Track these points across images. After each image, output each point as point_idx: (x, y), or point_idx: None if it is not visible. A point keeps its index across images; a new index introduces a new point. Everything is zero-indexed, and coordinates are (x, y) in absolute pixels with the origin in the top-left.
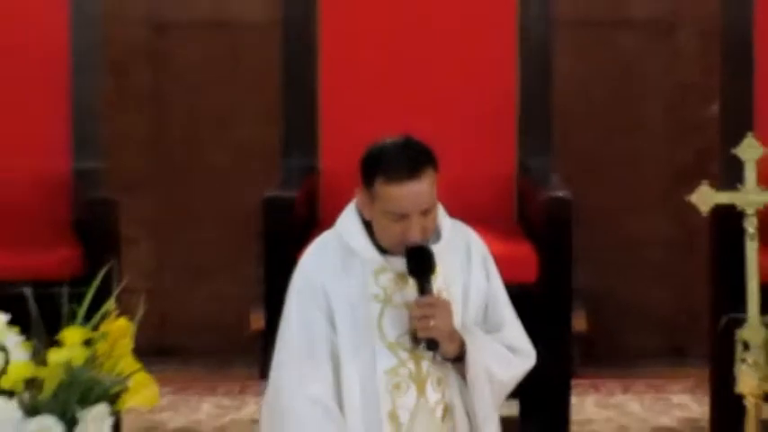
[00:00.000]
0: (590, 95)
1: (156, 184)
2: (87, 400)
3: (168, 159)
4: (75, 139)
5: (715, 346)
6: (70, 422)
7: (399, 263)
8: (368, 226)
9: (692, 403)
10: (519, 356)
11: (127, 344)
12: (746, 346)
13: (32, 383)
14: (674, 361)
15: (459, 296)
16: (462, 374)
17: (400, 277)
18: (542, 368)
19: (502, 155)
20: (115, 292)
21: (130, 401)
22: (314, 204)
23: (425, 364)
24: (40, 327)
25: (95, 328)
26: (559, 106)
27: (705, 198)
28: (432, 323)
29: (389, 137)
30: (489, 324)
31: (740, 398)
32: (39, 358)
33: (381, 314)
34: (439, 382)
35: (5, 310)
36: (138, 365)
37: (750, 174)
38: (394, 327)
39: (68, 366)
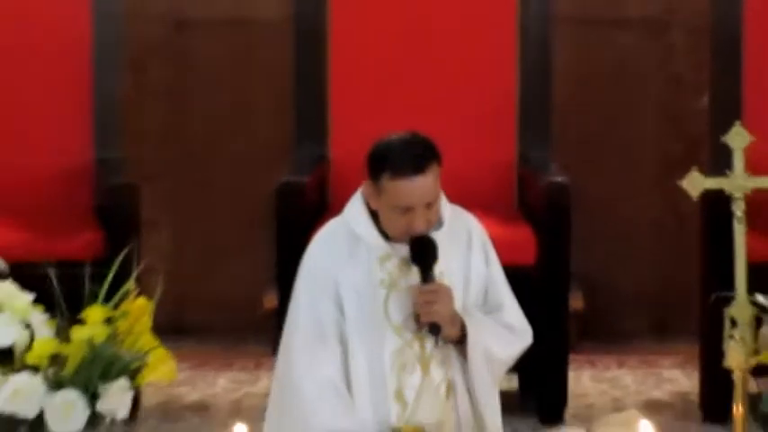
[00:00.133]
0: (587, 89)
1: (174, 172)
2: (108, 375)
3: (186, 149)
4: (97, 130)
5: (704, 324)
6: (92, 396)
7: (404, 250)
8: (374, 214)
9: (682, 377)
10: (517, 335)
11: (146, 322)
12: (734, 323)
13: (56, 359)
14: (665, 338)
15: (459, 281)
16: (464, 354)
17: (405, 263)
18: (541, 345)
19: (503, 145)
20: (135, 273)
21: (149, 376)
22: (324, 190)
23: (429, 345)
24: (64, 306)
25: (116, 307)
26: (558, 99)
27: (695, 183)
28: (434, 308)
29: (395, 133)
30: (489, 306)
31: (728, 372)
32: (62, 335)
33: (387, 298)
34: (442, 361)
35: (31, 289)
36: (156, 342)
37: (738, 160)
38: (399, 310)
39: (91, 343)
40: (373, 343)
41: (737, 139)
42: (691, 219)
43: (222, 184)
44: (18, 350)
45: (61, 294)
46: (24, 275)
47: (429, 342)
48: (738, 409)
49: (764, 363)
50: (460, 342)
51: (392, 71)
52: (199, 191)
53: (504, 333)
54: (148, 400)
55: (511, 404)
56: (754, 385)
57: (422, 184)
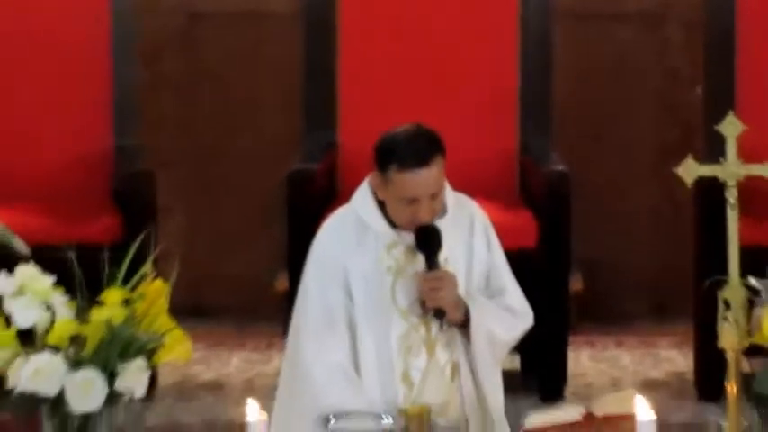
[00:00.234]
0: (586, 81)
1: (190, 160)
2: (126, 354)
3: (201, 137)
4: (115, 120)
5: (699, 306)
6: (111, 375)
7: (410, 237)
8: (380, 203)
9: (678, 357)
10: (518, 318)
11: (162, 304)
12: (728, 305)
13: (76, 339)
14: (661, 319)
15: (463, 266)
16: (467, 337)
17: (411, 251)
18: (542, 326)
19: (505, 135)
20: (152, 257)
21: (166, 356)
22: (333, 177)
23: (435, 329)
24: (83, 288)
25: (134, 289)
26: (558, 91)
27: (690, 171)
28: (439, 294)
29: (402, 126)
30: (491, 289)
31: (722, 353)
32: (82, 317)
33: (394, 284)
34: (447, 344)
35: (52, 272)
36: (172, 323)
37: (731, 149)
38: (405, 295)
39: (109, 324)
40: (381, 327)
41: (730, 128)
42: (686, 205)
43: (235, 172)
44: (39, 331)
45: (81, 277)
46: (45, 258)
47: (434, 326)
48: (732, 388)
49: (757, 343)
50: (464, 325)
51: (399, 63)
52: (213, 178)
53: (505, 316)
54: (165, 378)
55: (513, 383)
56: (746, 365)
57: (427, 177)
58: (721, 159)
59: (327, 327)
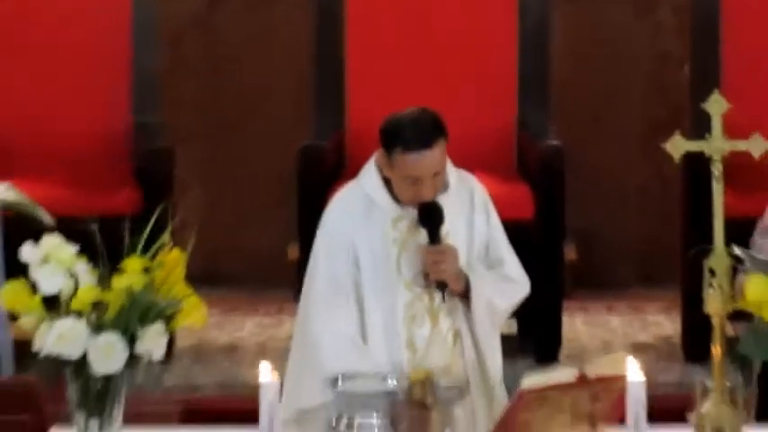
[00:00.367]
0: (582, 62)
1: (207, 137)
2: (146, 319)
3: (218, 116)
4: (135, 99)
5: (686, 274)
6: (131, 339)
7: (414, 212)
8: (386, 180)
9: (666, 322)
10: (516, 286)
11: (180, 272)
12: (713, 273)
13: (98, 305)
14: (650, 286)
15: (464, 239)
16: (468, 306)
17: (415, 225)
18: (537, 293)
19: (504, 112)
20: (170, 228)
21: (183, 321)
22: (341, 153)
23: (438, 299)
24: (105, 257)
25: (153, 258)
26: (555, 70)
27: (678, 146)
28: (441, 267)
29: (407, 109)
30: (490, 260)
31: (707, 317)
32: (104, 284)
33: (399, 257)
34: (449, 312)
35: (75, 242)
36: (189, 290)
37: (716, 125)
38: (410, 267)
39: (130, 291)
40: (387, 297)
41: (716, 106)
42: (674, 179)
43: (250, 148)
44: (64, 297)
45: (103, 246)
46: (69, 229)
47: (437, 296)
48: (717, 351)
49: (740, 309)
50: (465, 295)
51: (402, 44)
52: (229, 154)
53: (504, 285)
54: (182, 342)
55: (510, 347)
56: (730, 329)
57: (429, 158)
58: (707, 135)
59: (335, 297)
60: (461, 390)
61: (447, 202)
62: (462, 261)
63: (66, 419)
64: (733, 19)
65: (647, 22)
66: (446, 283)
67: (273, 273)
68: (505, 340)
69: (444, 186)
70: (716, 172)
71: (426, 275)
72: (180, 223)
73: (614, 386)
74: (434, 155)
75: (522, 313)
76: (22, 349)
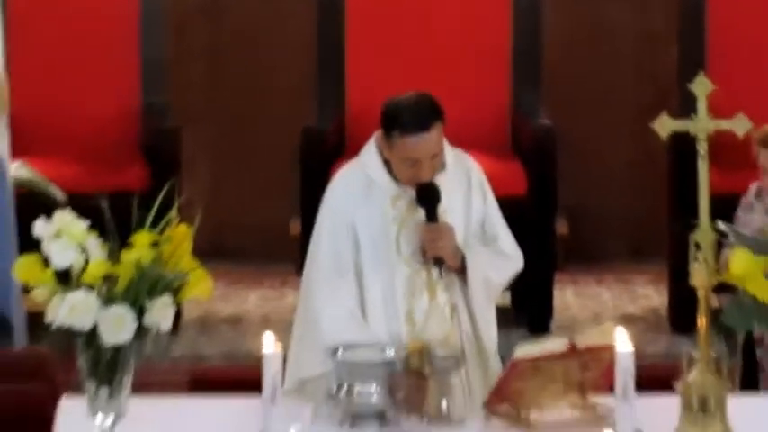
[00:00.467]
0: (573, 44)
1: (214, 117)
2: (154, 292)
3: (223, 97)
4: (144, 81)
5: (673, 248)
6: (140, 310)
7: (413, 191)
8: (386, 160)
9: (653, 294)
10: (510, 262)
11: (187, 246)
12: (698, 247)
13: (108, 279)
14: (638, 260)
15: (460, 217)
16: (464, 281)
17: (413, 203)
18: (530, 266)
19: (498, 93)
20: (176, 204)
21: (189, 293)
22: (342, 134)
23: (435, 273)
24: (115, 232)
25: (161, 233)
26: (547, 52)
27: (664, 126)
28: (438, 245)
29: (406, 94)
30: (486, 236)
31: (693, 290)
32: (114, 258)
33: (398, 234)
34: (447, 287)
35: (86, 217)
36: (196, 264)
37: (701, 105)
38: (409, 244)
39: (138, 264)
40: (386, 272)
41: (701, 87)
42: (661, 157)
43: (254, 129)
44: (75, 271)
45: (113, 222)
46: (80, 205)
47: (435, 272)
48: (702, 322)
49: (724, 281)
50: (462, 271)
51: (401, 31)
52: (234, 134)
53: (498, 261)
54: (189, 313)
55: (505, 318)
56: (715, 301)
57: (427, 141)
58: (693, 115)
59: (337, 273)
60: (457, 359)
61: (444, 181)
62: (459, 238)
63: (77, 388)
64: (718, 4)
65: (635, 3)
66: (443, 260)
67: (276, 247)
68: (499, 312)
69: (442, 166)
70: (701, 150)
71: (424, 252)
72: (187, 200)
73: (604, 356)
74: (432, 138)
75: (516, 286)
76: (35, 321)
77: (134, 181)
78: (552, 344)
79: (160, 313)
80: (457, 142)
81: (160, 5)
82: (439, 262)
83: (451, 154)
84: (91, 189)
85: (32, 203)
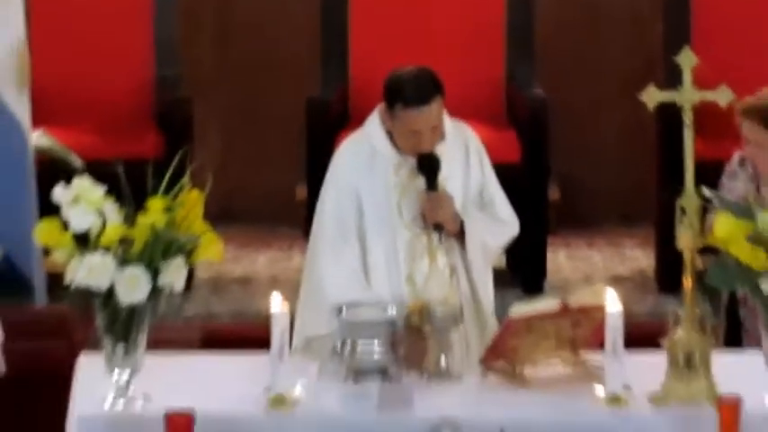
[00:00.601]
0: (564, 18)
1: (224, 88)
2: (168, 254)
3: (233, 68)
4: (158, 54)
5: (660, 212)
6: (154, 272)
7: (414, 160)
8: (389, 131)
9: (642, 257)
10: (506, 227)
11: (199, 210)
12: (684, 212)
13: (124, 241)
14: (627, 224)
15: (459, 184)
16: (463, 245)
17: (414, 172)
18: (524, 230)
19: (493, 65)
20: (189, 171)
21: (201, 256)
22: (346, 104)
23: (435, 239)
24: (131, 197)
25: (174, 198)
26: (540, 25)
27: (652, 97)
28: (438, 212)
29: (407, 67)
30: (483, 203)
31: (679, 252)
32: (129, 222)
33: (400, 200)
34: (446, 251)
35: (103, 183)
36: (207, 227)
37: (687, 77)
38: (410, 210)
39: (153, 228)
40: (389, 236)
41: (686, 59)
42: (649, 126)
43: (262, 99)
44: (93, 234)
45: (128, 187)
46: (97, 172)
47: (434, 236)
48: (688, 283)
49: (709, 244)
50: (460, 236)
51: (401, 6)
52: (243, 103)
53: (495, 226)
54: (201, 275)
55: (501, 279)
56: (700, 263)
57: (428, 113)
58: (679, 87)
59: (341, 238)
60: (455, 317)
61: (444, 150)
62: (458, 204)
63: (94, 345)
64: None
65: None
66: (443, 226)
67: (283, 212)
68: (496, 273)
69: (441, 136)
70: (687, 120)
71: (424, 218)
72: (198, 166)
73: (594, 315)
74: (432, 110)
75: (511, 249)
76: (55, 282)
77: (149, 149)
78: (545, 304)
79: (173, 274)
80: (455, 113)
81: None
82: (438, 228)
83: (450, 124)
84: (108, 156)
85: (52, 170)
